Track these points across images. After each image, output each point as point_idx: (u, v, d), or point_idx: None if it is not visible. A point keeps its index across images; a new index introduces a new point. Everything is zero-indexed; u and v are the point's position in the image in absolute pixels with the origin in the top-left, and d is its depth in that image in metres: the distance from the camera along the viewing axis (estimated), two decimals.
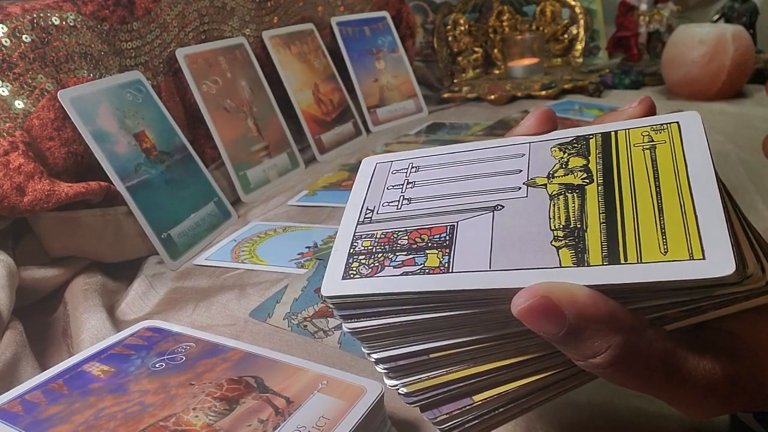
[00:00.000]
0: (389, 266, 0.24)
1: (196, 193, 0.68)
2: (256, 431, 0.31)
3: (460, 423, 0.26)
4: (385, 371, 0.26)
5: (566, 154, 0.27)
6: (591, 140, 0.27)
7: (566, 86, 1.10)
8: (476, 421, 0.26)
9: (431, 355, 0.25)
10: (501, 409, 0.25)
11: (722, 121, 0.88)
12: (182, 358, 0.38)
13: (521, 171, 0.27)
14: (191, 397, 0.34)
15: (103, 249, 0.58)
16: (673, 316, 0.22)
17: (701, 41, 0.97)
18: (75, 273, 0.56)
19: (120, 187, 0.58)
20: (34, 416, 0.33)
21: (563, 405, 0.34)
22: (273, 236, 0.65)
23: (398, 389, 0.26)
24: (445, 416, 0.26)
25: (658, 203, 0.23)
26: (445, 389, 0.25)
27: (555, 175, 0.26)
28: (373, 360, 0.26)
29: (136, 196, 0.59)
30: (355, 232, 0.27)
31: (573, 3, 1.23)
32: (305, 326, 0.47)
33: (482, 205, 0.26)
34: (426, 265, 0.24)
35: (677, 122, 0.26)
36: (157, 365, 0.37)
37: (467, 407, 0.25)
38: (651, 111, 0.28)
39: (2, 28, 0.55)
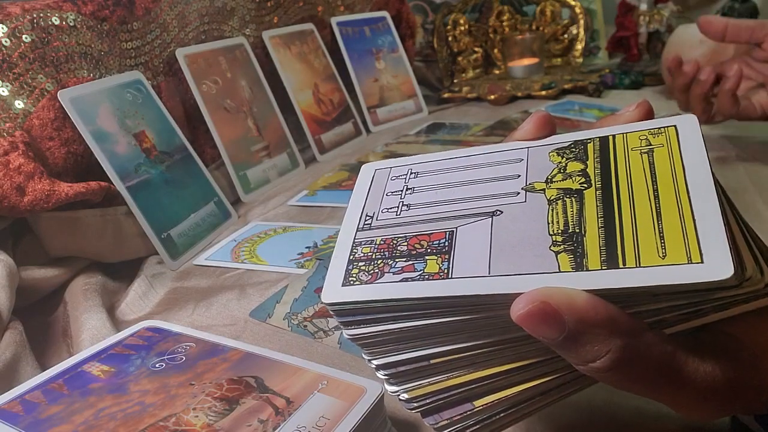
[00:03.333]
0: (389, 272, 0.25)
1: (196, 193, 0.68)
2: (256, 431, 0.31)
3: (461, 428, 0.26)
4: (386, 377, 0.26)
5: (564, 159, 0.27)
6: (589, 144, 0.27)
7: (566, 86, 1.10)
8: (477, 426, 0.26)
9: (432, 361, 0.25)
10: (501, 414, 0.26)
11: (722, 122, 0.88)
12: (182, 358, 0.38)
13: (519, 176, 0.27)
14: (191, 397, 0.34)
15: (103, 249, 0.58)
16: (672, 319, 0.22)
17: (701, 41, 0.96)
18: (75, 273, 0.56)
19: (120, 187, 0.58)
20: (34, 416, 0.33)
21: (563, 406, 0.34)
22: (273, 236, 0.65)
23: (399, 395, 0.26)
24: (446, 421, 0.26)
25: (656, 207, 0.23)
26: (446, 394, 0.25)
27: (553, 179, 0.26)
28: (373, 366, 0.26)
29: (136, 196, 0.59)
30: (354, 239, 0.27)
31: (573, 3, 1.23)
32: (305, 326, 0.47)
33: (481, 211, 0.26)
34: (425, 271, 0.24)
35: (674, 126, 0.26)
36: (157, 365, 0.37)
37: (468, 412, 0.25)
38: (649, 115, 0.28)
39: (2, 28, 0.55)
